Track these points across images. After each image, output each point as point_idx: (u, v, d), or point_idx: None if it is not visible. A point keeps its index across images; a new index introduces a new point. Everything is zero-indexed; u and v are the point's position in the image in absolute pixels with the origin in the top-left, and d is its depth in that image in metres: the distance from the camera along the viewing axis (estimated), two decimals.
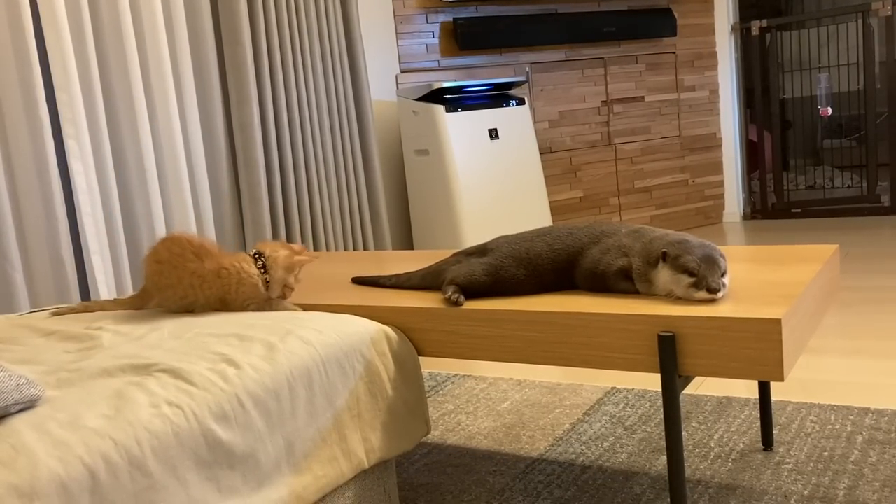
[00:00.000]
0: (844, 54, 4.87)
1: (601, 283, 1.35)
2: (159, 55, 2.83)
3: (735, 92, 4.90)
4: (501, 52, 4.23)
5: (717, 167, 4.92)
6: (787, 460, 1.66)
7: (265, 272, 1.48)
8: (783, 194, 4.92)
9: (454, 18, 4.05)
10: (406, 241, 3.97)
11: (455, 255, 1.54)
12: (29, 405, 1.01)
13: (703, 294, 1.22)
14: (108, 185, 2.69)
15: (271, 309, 1.50)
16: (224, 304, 1.50)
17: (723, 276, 1.24)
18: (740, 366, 1.14)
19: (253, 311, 1.49)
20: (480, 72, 4.18)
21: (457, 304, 1.37)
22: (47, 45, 2.53)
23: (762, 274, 1.38)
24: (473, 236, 3.55)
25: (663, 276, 1.26)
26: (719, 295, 1.22)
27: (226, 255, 1.51)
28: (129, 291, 2.70)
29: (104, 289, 2.61)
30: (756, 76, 4.86)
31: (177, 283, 1.48)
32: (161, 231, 2.81)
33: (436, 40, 4.07)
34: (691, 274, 1.23)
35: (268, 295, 1.49)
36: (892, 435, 1.72)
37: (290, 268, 1.50)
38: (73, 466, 0.90)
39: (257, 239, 3.12)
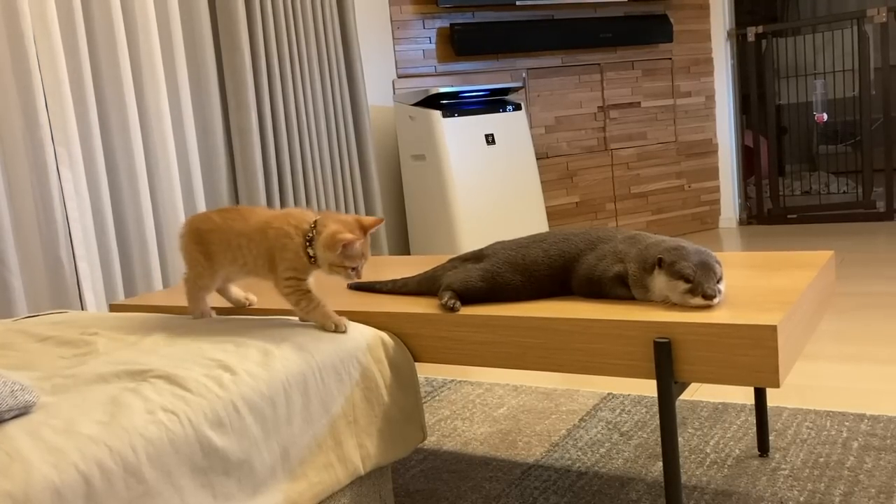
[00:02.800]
0: (840, 60, 4.89)
1: (597, 289, 1.35)
2: (153, 61, 2.82)
3: (731, 98, 4.92)
4: (498, 58, 4.24)
5: (713, 173, 4.92)
6: (783, 466, 1.66)
7: (310, 245, 1.35)
8: (779, 200, 4.93)
9: (451, 24, 4.06)
10: (402, 246, 3.97)
11: (451, 260, 1.54)
12: (23, 411, 1.01)
13: (698, 300, 1.22)
14: (99, 192, 2.67)
15: (308, 305, 1.38)
16: (272, 264, 1.39)
17: (718, 282, 1.24)
18: (736, 372, 1.14)
19: (290, 288, 1.37)
20: (477, 77, 4.18)
21: (453, 309, 1.37)
22: (38, 52, 2.51)
23: (758, 280, 1.38)
24: (470, 241, 3.55)
25: (659, 282, 1.26)
26: (715, 301, 1.22)
27: (276, 214, 1.41)
28: (120, 297, 2.70)
29: (90, 295, 2.59)
30: (752, 82, 4.88)
31: (225, 248, 1.41)
32: (153, 238, 2.79)
33: (432, 46, 4.07)
34: (687, 280, 1.23)
35: (314, 268, 1.37)
36: (888, 441, 1.73)
37: (330, 246, 1.33)
38: (68, 473, 0.90)
39: None
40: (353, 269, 1.35)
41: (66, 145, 2.56)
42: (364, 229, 1.36)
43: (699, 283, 1.22)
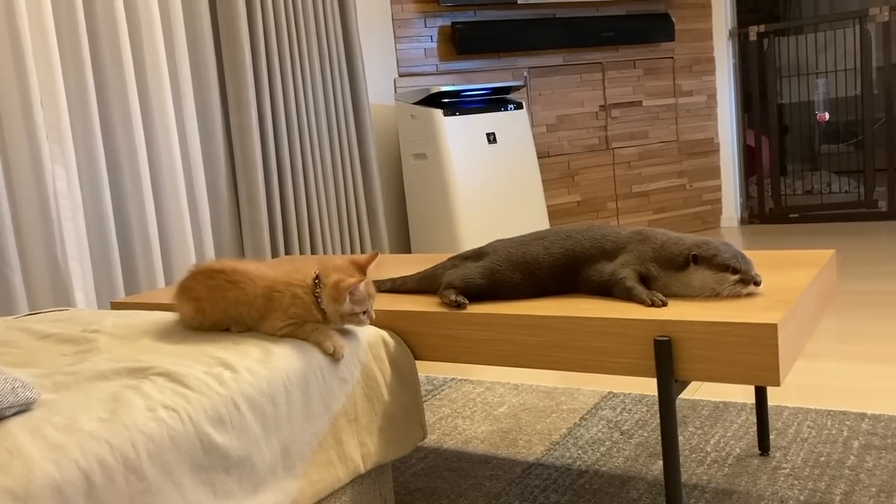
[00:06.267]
0: (842, 60, 4.88)
1: (622, 297, 1.34)
2: (157, 58, 2.82)
3: (733, 97, 4.91)
4: (500, 57, 4.24)
5: (715, 172, 4.92)
6: (784, 465, 1.66)
7: (320, 300, 1.28)
8: (780, 199, 4.92)
9: (452, 22, 4.06)
10: (403, 244, 3.97)
11: (451, 258, 1.54)
12: (24, 408, 1.01)
13: (751, 288, 1.27)
14: (98, 189, 2.67)
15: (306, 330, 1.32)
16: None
17: None
18: (736, 370, 1.14)
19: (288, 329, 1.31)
20: (478, 76, 4.18)
21: (460, 306, 1.37)
22: (32, 49, 2.51)
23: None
24: (471, 240, 3.55)
25: (701, 277, 1.28)
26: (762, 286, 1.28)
27: (276, 276, 1.32)
28: (119, 295, 2.70)
29: (81, 295, 2.58)
30: (754, 81, 4.87)
31: (222, 315, 1.34)
32: (155, 236, 2.79)
33: (434, 44, 4.07)
34: (735, 271, 1.26)
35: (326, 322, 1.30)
36: (889, 440, 1.72)
37: (337, 297, 1.26)
38: (69, 470, 0.90)
39: (255, 242, 3.12)
40: (365, 312, 1.29)
41: (59, 143, 2.55)
42: (362, 269, 1.29)
43: (747, 272, 1.27)
